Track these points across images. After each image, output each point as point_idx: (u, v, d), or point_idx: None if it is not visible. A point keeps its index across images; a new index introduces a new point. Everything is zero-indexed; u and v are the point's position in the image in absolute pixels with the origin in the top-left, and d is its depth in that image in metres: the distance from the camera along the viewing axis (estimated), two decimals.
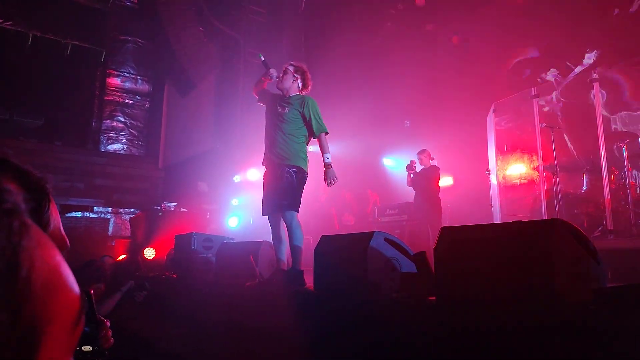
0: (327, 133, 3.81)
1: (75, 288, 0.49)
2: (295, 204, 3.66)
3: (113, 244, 8.52)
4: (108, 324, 1.17)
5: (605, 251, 2.43)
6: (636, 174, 5.42)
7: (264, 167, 3.96)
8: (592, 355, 1.76)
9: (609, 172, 5.32)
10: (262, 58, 3.93)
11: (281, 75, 3.89)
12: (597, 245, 2.20)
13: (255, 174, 8.87)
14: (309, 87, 3.97)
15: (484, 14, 9.19)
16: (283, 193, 3.65)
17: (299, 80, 3.91)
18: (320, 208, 7.90)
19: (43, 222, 0.58)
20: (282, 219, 3.75)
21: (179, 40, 9.76)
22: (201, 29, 10.28)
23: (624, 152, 5.31)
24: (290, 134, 3.76)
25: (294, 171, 3.69)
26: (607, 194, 5.10)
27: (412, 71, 9.59)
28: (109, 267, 6.10)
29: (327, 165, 3.71)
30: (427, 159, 7.24)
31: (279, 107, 3.83)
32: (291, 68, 3.91)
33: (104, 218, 9.27)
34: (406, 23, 10.36)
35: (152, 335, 4.30)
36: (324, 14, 11.16)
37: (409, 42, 9.98)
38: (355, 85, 9.42)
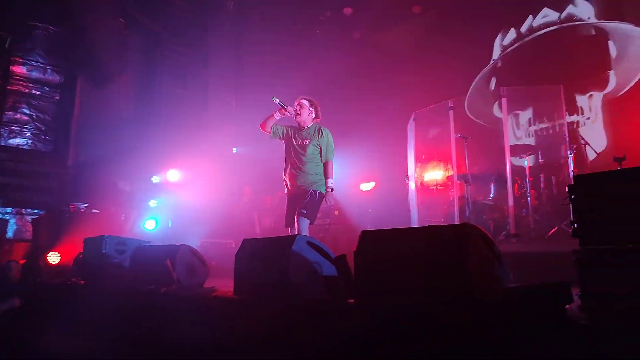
0: (331, 162, 4.43)
1: None
2: (312, 216, 4.21)
3: (9, 247, 7.72)
4: None
5: (509, 254, 2.63)
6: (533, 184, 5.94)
7: (286, 195, 4.45)
8: (506, 349, 1.88)
9: (513, 182, 5.80)
10: (277, 100, 4.27)
11: (298, 109, 4.37)
12: (502, 248, 2.37)
13: (175, 174, 8.52)
14: (320, 116, 4.49)
15: (407, 27, 9.62)
16: (307, 204, 4.20)
17: (313, 113, 4.45)
18: (241, 212, 7.76)
19: None
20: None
21: (96, 30, 9.14)
22: (122, 20, 9.71)
23: (526, 163, 5.81)
24: (311, 161, 4.35)
25: (318, 192, 4.29)
26: (510, 202, 5.55)
27: (339, 76, 9.77)
28: (15, 274, 5.51)
29: (330, 189, 4.35)
30: None
31: (298, 139, 4.39)
32: (306, 102, 4.41)
33: (2, 219, 8.40)
34: (334, 30, 10.55)
35: (58, 348, 3.97)
36: (254, 15, 11.03)
37: (336, 49, 10.17)
38: (286, 87, 9.40)
